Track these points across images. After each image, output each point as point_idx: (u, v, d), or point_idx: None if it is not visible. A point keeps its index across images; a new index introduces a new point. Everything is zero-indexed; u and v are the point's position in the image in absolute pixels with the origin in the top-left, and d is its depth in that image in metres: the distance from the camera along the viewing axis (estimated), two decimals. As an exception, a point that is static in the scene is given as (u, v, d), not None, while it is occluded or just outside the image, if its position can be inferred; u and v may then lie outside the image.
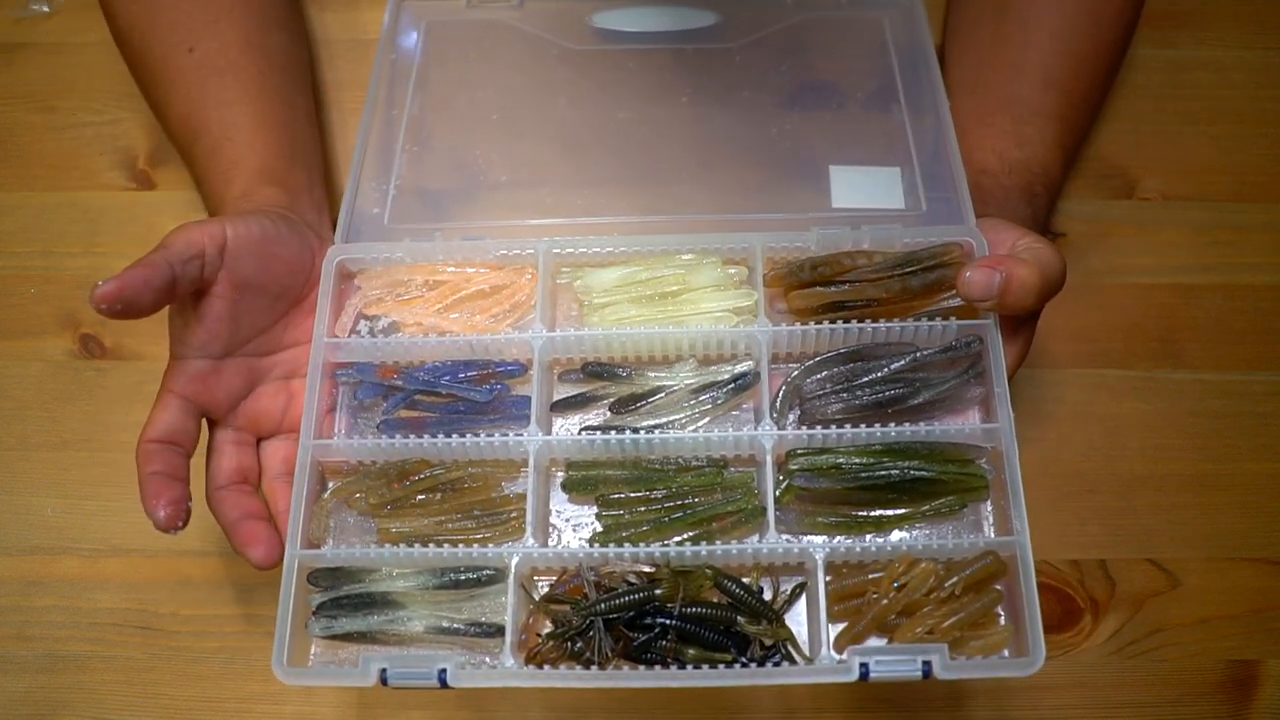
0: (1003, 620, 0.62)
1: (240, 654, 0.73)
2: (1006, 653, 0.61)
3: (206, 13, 0.77)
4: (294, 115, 0.79)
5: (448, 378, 0.69)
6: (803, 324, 0.67)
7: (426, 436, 0.65)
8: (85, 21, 0.92)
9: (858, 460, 0.64)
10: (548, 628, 0.62)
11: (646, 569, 0.62)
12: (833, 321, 0.67)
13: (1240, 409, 0.79)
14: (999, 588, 0.63)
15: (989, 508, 0.66)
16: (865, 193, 0.74)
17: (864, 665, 0.57)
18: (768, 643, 0.61)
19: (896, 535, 0.64)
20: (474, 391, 0.68)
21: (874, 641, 0.62)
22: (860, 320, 0.66)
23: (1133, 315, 0.82)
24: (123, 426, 0.80)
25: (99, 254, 0.86)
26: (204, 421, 0.66)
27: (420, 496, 0.67)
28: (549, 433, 0.67)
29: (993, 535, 0.65)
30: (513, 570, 0.62)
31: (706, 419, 0.68)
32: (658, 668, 0.59)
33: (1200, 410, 0.79)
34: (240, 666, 0.73)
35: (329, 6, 0.94)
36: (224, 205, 0.72)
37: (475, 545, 0.63)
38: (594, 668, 0.59)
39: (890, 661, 0.57)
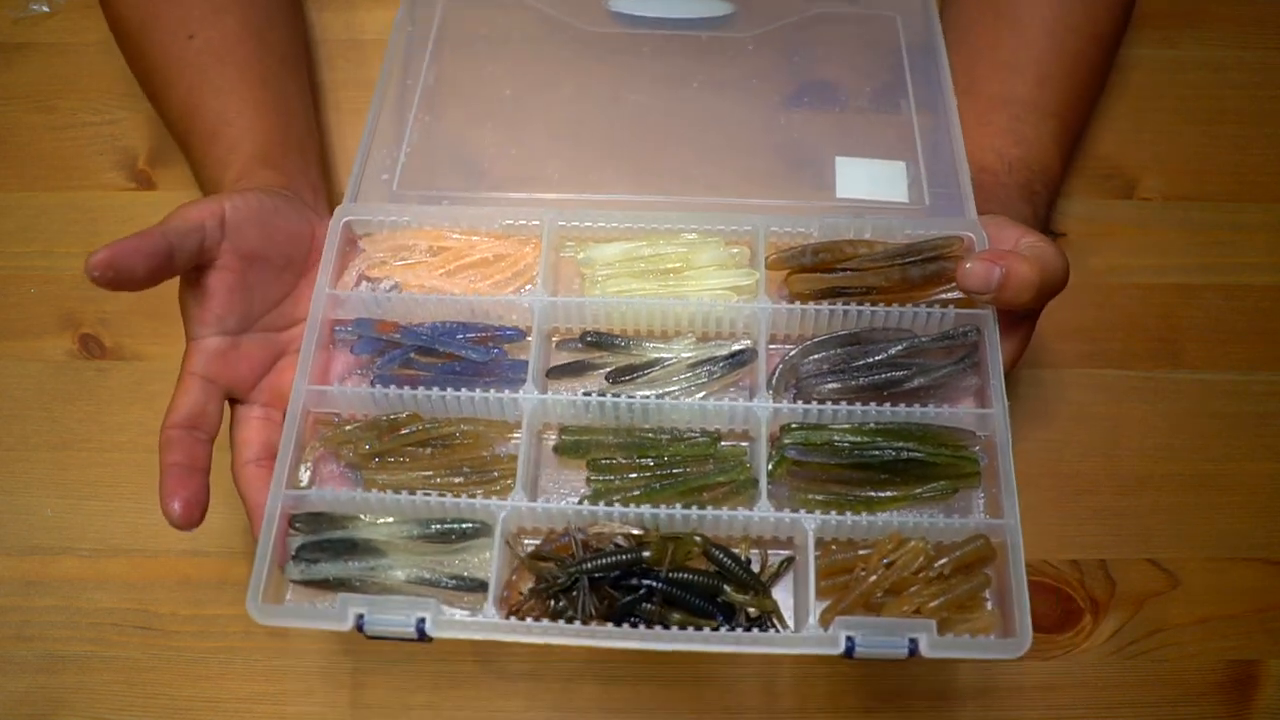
0: (990, 605, 0.62)
1: (240, 654, 0.73)
2: (991, 637, 0.61)
3: (209, 2, 0.78)
4: (292, 105, 0.79)
5: (446, 337, 0.69)
6: (802, 304, 0.68)
7: (421, 389, 0.65)
8: (85, 21, 0.92)
9: (851, 438, 0.64)
10: (534, 586, 0.61)
11: (635, 531, 0.62)
12: (831, 305, 0.67)
13: (1240, 409, 0.79)
14: (988, 572, 0.62)
15: (981, 495, 0.65)
16: (870, 184, 0.74)
17: (850, 639, 0.56)
18: (754, 614, 0.61)
19: (887, 515, 0.64)
20: (472, 351, 0.68)
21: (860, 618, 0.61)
22: (860, 304, 0.67)
23: (1133, 315, 0.82)
24: (123, 426, 0.80)
25: (99, 254, 0.86)
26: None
27: (422, 450, 0.66)
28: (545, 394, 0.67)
29: (983, 519, 0.64)
30: (499, 524, 0.61)
31: (702, 393, 0.68)
32: (641, 627, 0.58)
33: (1200, 410, 0.79)
34: (240, 666, 0.73)
35: (327, 6, 0.94)
36: (220, 189, 0.72)
37: (464, 498, 0.62)
38: (576, 623, 0.58)
39: (876, 636, 0.57)
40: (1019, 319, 0.67)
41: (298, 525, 0.63)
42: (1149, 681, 0.71)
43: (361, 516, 0.64)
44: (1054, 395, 0.79)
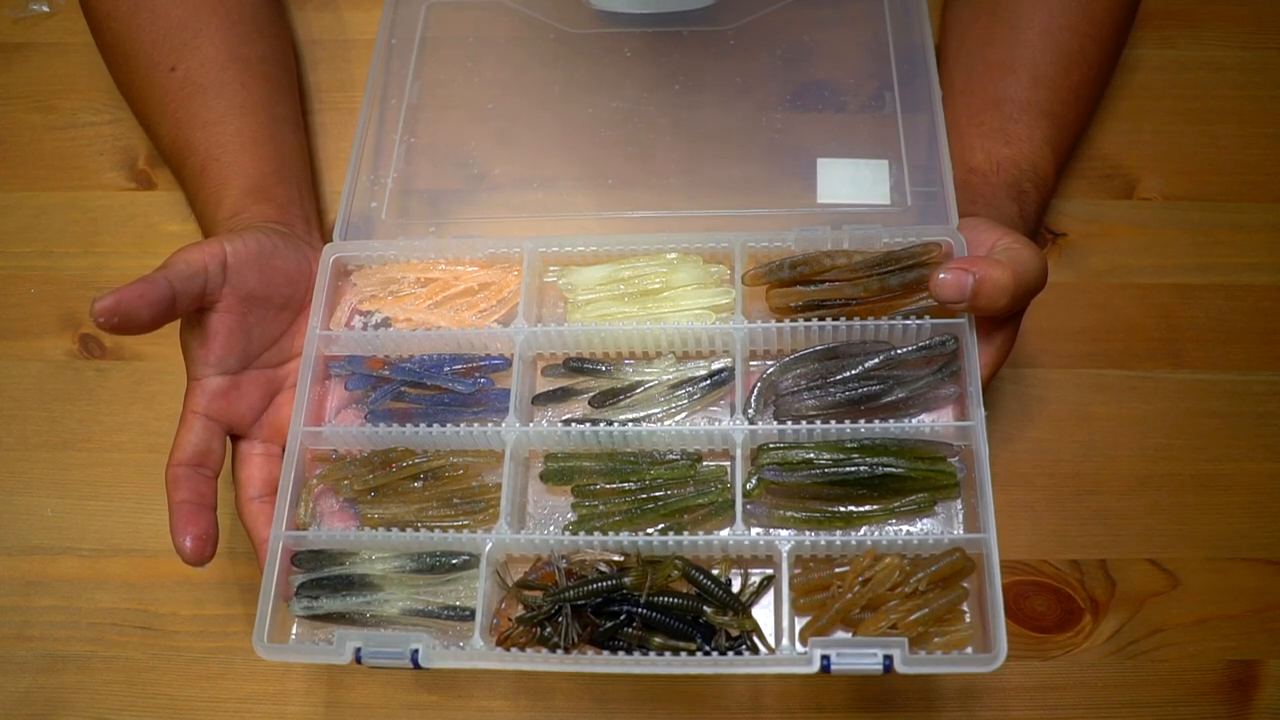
0: (968, 618, 0.63)
1: (240, 654, 0.73)
2: (970, 649, 0.61)
3: (187, 29, 0.77)
4: (279, 127, 0.79)
5: (434, 369, 0.70)
6: (778, 321, 0.68)
7: (409, 426, 0.67)
8: (85, 22, 0.92)
9: (828, 455, 0.65)
10: (521, 613, 0.63)
11: (617, 558, 0.63)
12: (809, 319, 0.67)
13: (1240, 409, 0.79)
14: (965, 585, 0.63)
15: (960, 506, 0.66)
16: (851, 186, 0.74)
17: (825, 658, 0.58)
18: (734, 633, 0.62)
19: (865, 531, 0.64)
20: (458, 383, 0.69)
21: (839, 635, 0.62)
22: (837, 318, 0.67)
23: (1133, 315, 0.82)
24: (123, 427, 0.80)
25: (99, 254, 0.86)
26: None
27: (414, 484, 0.68)
28: (527, 424, 0.68)
29: (961, 533, 0.64)
30: (485, 555, 0.63)
31: (683, 414, 0.69)
32: (621, 653, 0.60)
33: (1200, 410, 0.79)
34: (240, 666, 0.73)
35: (315, 7, 0.93)
36: (215, 225, 0.73)
37: (451, 531, 0.64)
38: (559, 651, 0.60)
39: (851, 655, 0.58)
40: (999, 324, 0.67)
41: (300, 563, 0.66)
42: (1149, 681, 0.71)
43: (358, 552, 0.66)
44: (1054, 395, 0.79)
